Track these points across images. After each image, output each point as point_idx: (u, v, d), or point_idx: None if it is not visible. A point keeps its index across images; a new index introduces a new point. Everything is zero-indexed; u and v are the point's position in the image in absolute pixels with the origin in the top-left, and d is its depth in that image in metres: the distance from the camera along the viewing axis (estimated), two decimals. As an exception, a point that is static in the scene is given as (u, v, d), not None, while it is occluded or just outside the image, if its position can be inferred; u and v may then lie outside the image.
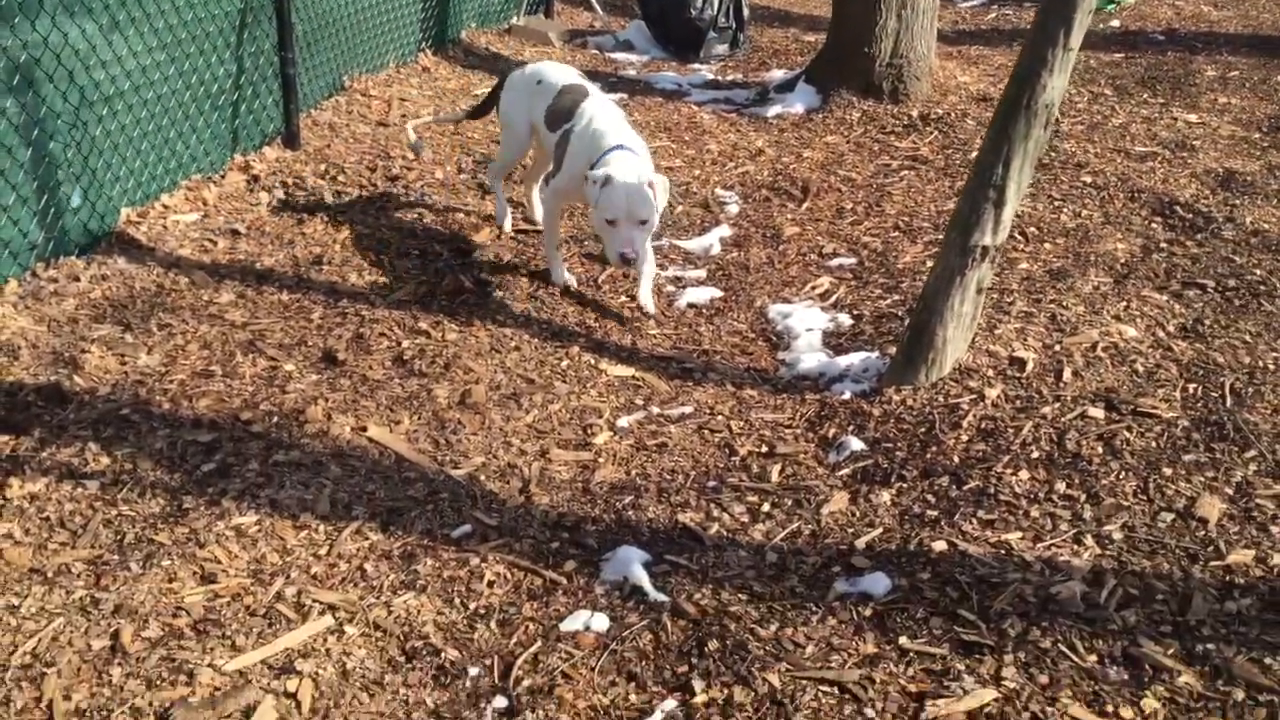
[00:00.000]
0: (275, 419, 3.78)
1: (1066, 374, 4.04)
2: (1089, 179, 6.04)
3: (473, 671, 2.80)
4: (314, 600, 2.99)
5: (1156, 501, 3.43)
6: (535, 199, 5.40)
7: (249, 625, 2.90)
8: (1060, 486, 3.51)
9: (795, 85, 7.60)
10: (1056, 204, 5.75)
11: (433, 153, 6.16)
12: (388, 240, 5.17)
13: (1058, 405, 3.87)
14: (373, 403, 3.93)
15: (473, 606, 3.04)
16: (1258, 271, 4.91)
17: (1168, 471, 3.54)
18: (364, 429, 3.77)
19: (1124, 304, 4.60)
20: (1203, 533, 3.29)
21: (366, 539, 3.26)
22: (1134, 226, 5.46)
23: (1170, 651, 2.86)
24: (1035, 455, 3.66)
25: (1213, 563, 3.18)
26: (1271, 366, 4.11)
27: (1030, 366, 4.09)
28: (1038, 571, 3.16)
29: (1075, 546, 3.27)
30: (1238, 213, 5.58)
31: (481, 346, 4.34)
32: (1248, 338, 4.34)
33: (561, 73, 5.02)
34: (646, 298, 4.76)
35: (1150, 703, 2.69)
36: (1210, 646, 2.87)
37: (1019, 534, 3.32)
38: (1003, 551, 3.25)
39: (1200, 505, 3.40)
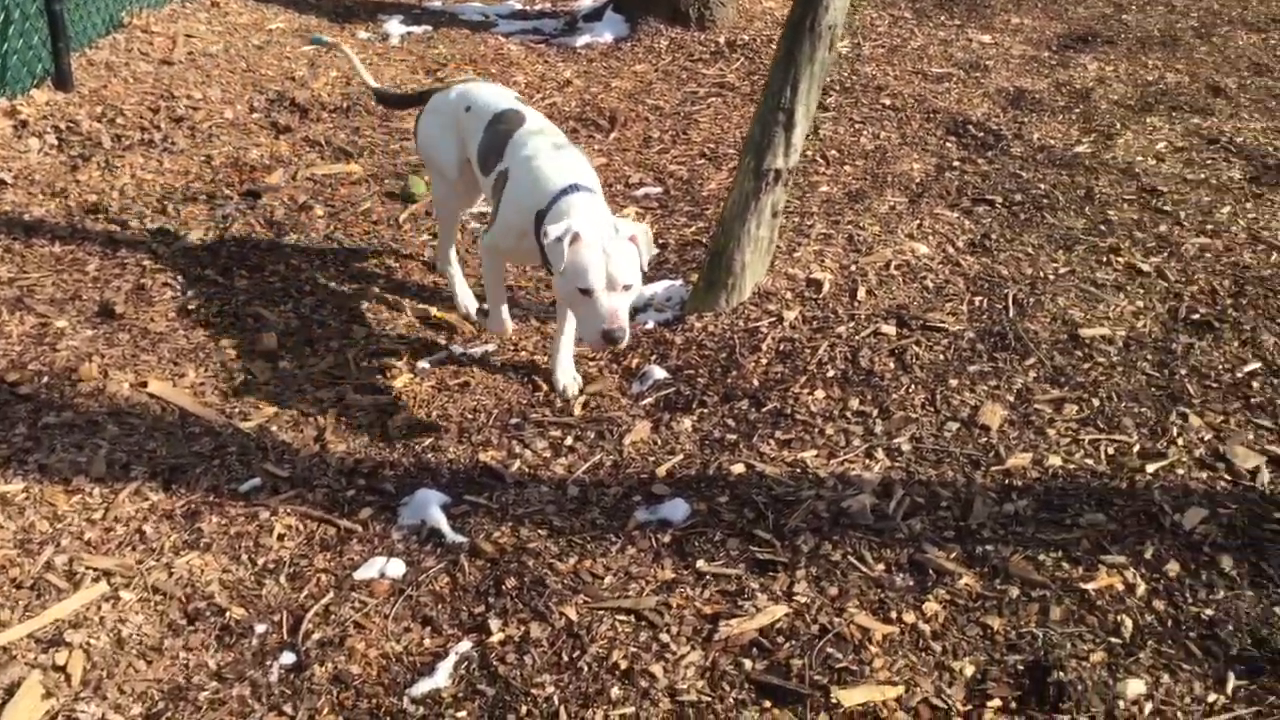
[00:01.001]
0: (45, 379, 3.56)
1: (861, 293, 4.13)
2: (888, 101, 6.16)
3: (259, 629, 2.72)
4: (87, 567, 2.84)
5: (943, 412, 3.55)
6: (456, 270, 4.25)
7: (15, 599, 2.74)
8: (854, 403, 3.59)
9: (603, 14, 7.51)
10: (857, 126, 5.85)
11: (221, 90, 5.85)
12: (172, 186, 4.91)
13: (852, 324, 3.95)
14: (154, 357, 3.74)
15: (261, 562, 2.94)
16: (1042, 186, 5.11)
17: (954, 383, 3.66)
18: (144, 384, 3.59)
19: (917, 222, 4.72)
20: (985, 439, 3.42)
21: (146, 500, 3.11)
22: (929, 146, 5.60)
23: (953, 555, 2.97)
24: (831, 374, 3.74)
25: (994, 468, 3.31)
26: (1051, 277, 4.29)
27: (827, 287, 4.17)
28: (831, 487, 3.24)
29: (867, 461, 3.36)
30: (1026, 130, 5.78)
31: (273, 293, 4.17)
32: (1030, 250, 4.51)
33: (496, 95, 3.94)
34: (567, 369, 3.78)
35: (932, 605, 2.80)
36: (989, 548, 2.99)
37: (814, 452, 3.39)
38: (798, 470, 3.32)
39: (983, 413, 3.53)
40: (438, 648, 2.67)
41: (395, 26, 7.36)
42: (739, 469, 3.32)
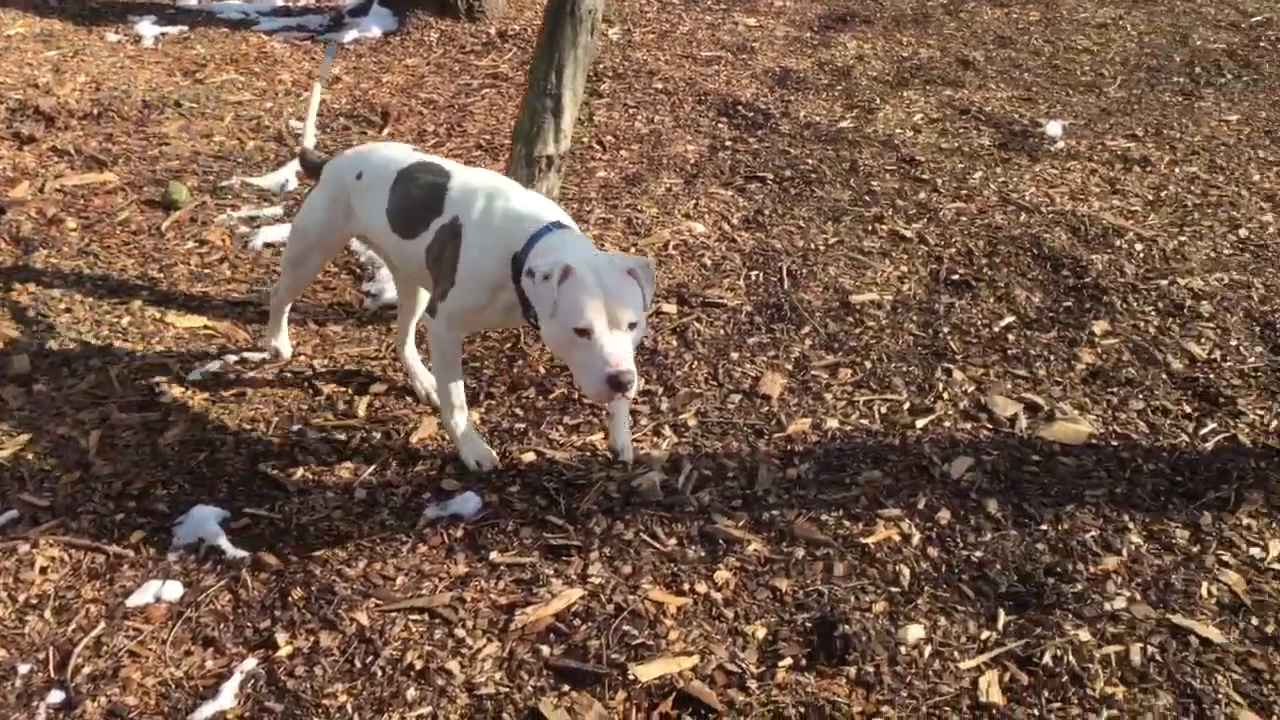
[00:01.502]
0: None
1: (641, 274, 4.17)
2: (660, 85, 6.24)
3: (23, 669, 2.54)
4: None
5: (726, 385, 3.63)
6: (414, 364, 3.67)
7: None
8: (640, 383, 3.62)
9: (370, 8, 7.32)
10: (631, 111, 5.90)
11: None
12: (-99, 204, 4.52)
13: (634, 305, 3.99)
14: (-114, 391, 3.44)
15: (23, 598, 2.75)
16: (810, 161, 5.28)
17: (735, 356, 3.75)
18: (-123, 422, 3.30)
19: (693, 202, 4.81)
20: (767, 409, 3.52)
21: (-115, 546, 2.86)
22: (702, 128, 5.71)
23: (741, 523, 3.05)
24: (616, 356, 3.76)
25: (776, 435, 3.41)
26: (822, 248, 4.44)
27: (607, 271, 4.19)
28: (620, 468, 3.26)
29: (655, 439, 3.40)
30: (793, 108, 5.96)
31: (23, 313, 3.90)
32: (801, 223, 4.66)
33: (393, 152, 3.40)
34: (625, 438, 3.29)
35: (723, 574, 2.86)
36: (775, 513, 3.08)
37: (602, 434, 3.41)
38: (588, 454, 3.33)
39: (764, 383, 3.62)
40: (221, 668, 2.56)
41: (148, 27, 6.99)
42: (529, 457, 3.31)
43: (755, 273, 4.24)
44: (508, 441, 3.38)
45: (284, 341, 3.81)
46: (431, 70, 6.54)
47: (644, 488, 3.17)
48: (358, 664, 2.57)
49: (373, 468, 3.28)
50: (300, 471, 3.26)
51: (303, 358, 3.83)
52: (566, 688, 2.53)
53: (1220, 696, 2.51)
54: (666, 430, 3.43)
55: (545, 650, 2.62)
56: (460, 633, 2.66)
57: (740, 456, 3.31)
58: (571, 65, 3.86)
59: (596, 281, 2.69)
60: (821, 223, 4.67)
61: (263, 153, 5.41)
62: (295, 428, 3.46)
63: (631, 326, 2.74)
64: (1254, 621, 2.71)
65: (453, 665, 2.56)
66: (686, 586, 2.82)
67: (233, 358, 3.80)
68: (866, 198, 4.91)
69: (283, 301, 3.72)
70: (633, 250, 4.36)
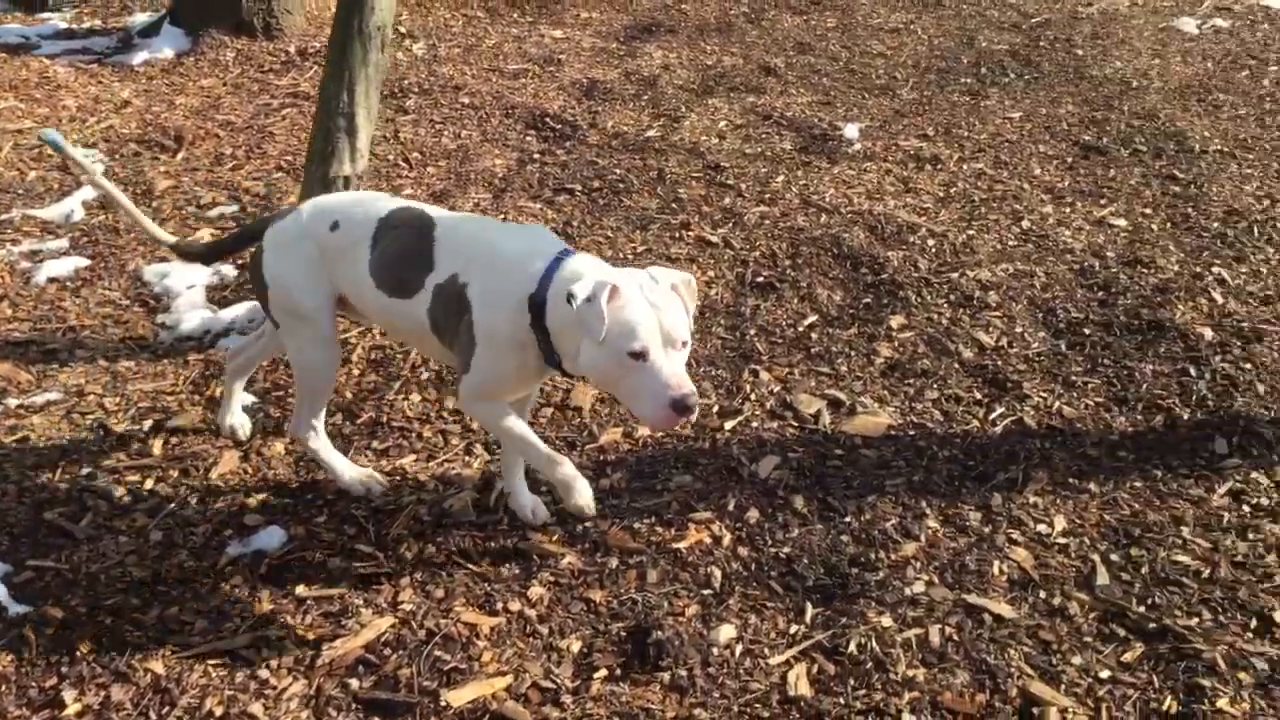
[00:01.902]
0: None
1: (448, 292, 4.13)
2: (467, 100, 6.20)
3: None
4: None
5: (538, 400, 3.61)
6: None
7: None
8: (450, 402, 3.59)
9: (161, 28, 7.05)
10: (438, 127, 5.84)
11: None
12: None
13: (442, 324, 3.94)
14: None
15: None
16: (618, 171, 5.32)
17: (545, 369, 3.74)
18: None
19: (502, 217, 4.79)
20: (578, 420, 3.53)
21: None
22: (510, 141, 5.69)
23: (555, 538, 3.04)
24: (425, 377, 3.71)
25: (588, 446, 3.42)
26: (631, 256, 4.48)
27: (414, 290, 4.13)
28: (432, 490, 3.22)
29: (466, 458, 3.36)
30: (600, 119, 6.00)
31: None
32: (610, 233, 4.69)
33: (366, 199, 3.08)
34: (524, 494, 3.11)
35: (536, 590, 2.85)
36: (588, 525, 3.08)
37: (413, 457, 3.36)
38: (398, 477, 3.27)
39: (574, 395, 3.63)
40: (3, 735, 2.41)
41: (-85, 54, 6.57)
42: (336, 485, 3.23)
43: (564, 285, 4.24)
44: (314, 471, 3.29)
45: (357, 471, 3.22)
46: (229, 91, 6.34)
47: (455, 508, 3.13)
48: (152, 716, 2.46)
49: (170, 508, 3.15)
50: (89, 517, 3.11)
51: (92, 397, 3.64)
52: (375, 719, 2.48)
53: (1013, 670, 2.62)
54: (478, 449, 3.40)
55: (354, 684, 2.56)
56: (264, 673, 2.57)
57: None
58: (363, 83, 3.80)
59: (645, 299, 2.48)
60: (630, 232, 4.71)
61: (45, 183, 5.14)
62: (85, 471, 3.29)
63: (685, 345, 2.54)
64: (1042, 595, 2.85)
65: (255, 708, 2.48)
66: (500, 606, 2.80)
67: (14, 401, 3.59)
68: (674, 205, 4.97)
69: (318, 429, 3.15)
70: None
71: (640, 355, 2.44)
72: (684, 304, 2.58)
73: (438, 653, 2.64)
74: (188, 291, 4.27)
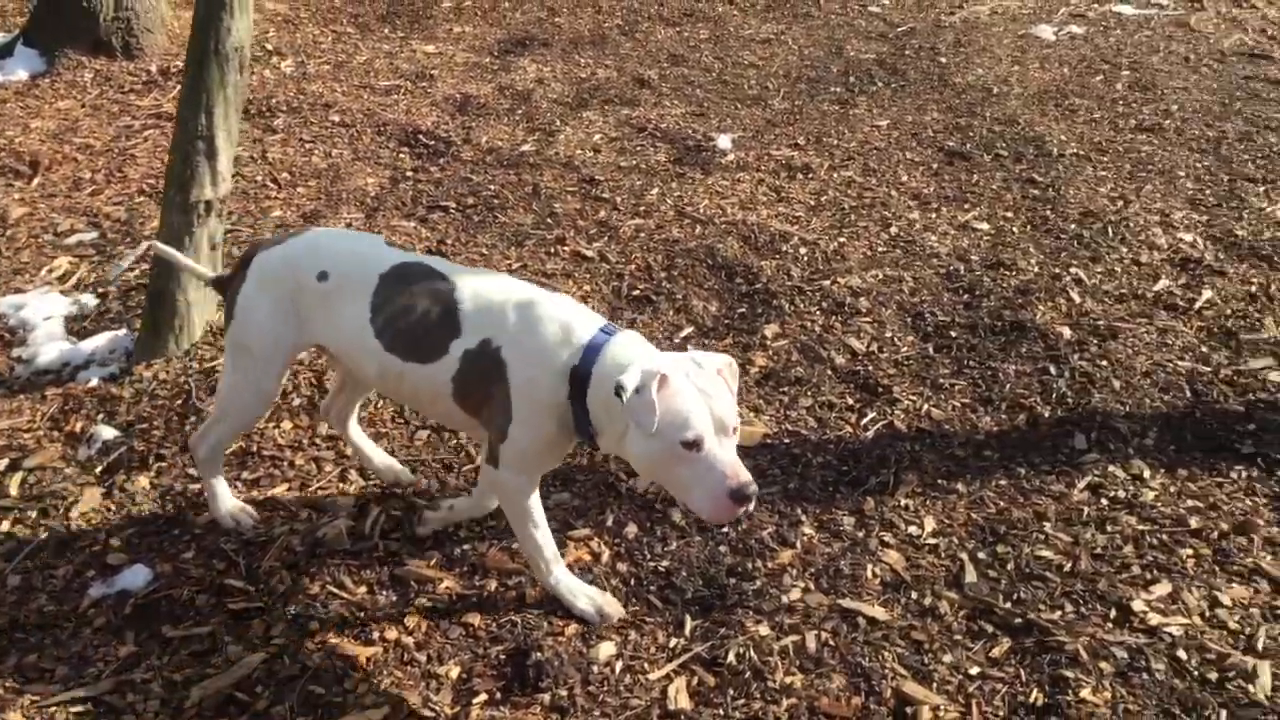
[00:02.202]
0: None
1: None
2: (338, 118, 6.10)
3: None
4: None
5: (413, 422, 3.58)
6: (360, 441, 3.30)
7: None
8: (323, 429, 3.52)
9: (14, 49, 6.78)
10: (308, 146, 5.74)
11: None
12: None
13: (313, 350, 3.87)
14: None
15: None
16: (492, 187, 5.30)
17: (420, 391, 3.70)
18: None
19: (377, 234, 4.71)
20: (455, 441, 3.50)
21: None
22: (383, 159, 5.62)
23: (433, 562, 3.01)
24: (297, 403, 3.64)
25: (466, 468, 3.39)
26: (506, 272, 4.45)
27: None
28: (305, 519, 3.16)
29: (341, 485, 3.31)
30: (474, 134, 5.96)
31: None
32: (485, 250, 4.66)
33: (363, 246, 2.89)
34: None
35: (414, 618, 2.81)
36: (467, 547, 3.06)
37: (285, 486, 3.29)
38: (269, 508, 3.20)
39: (451, 416, 3.59)
40: None
41: None
42: (205, 519, 3.14)
43: (439, 304, 4.20)
44: (181, 506, 3.20)
45: (233, 503, 3.12)
46: (87, 113, 6.13)
47: (329, 537, 3.07)
48: (10, 771, 2.36)
49: (27, 550, 3.03)
50: (-60, 566, 2.97)
51: (-57, 437, 3.49)
52: (249, 760, 2.42)
53: (887, 671, 2.68)
54: (353, 474, 3.34)
55: (226, 724, 2.50)
56: (129, 718, 2.49)
57: (430, 493, 3.27)
58: (222, 105, 3.71)
59: (694, 386, 2.39)
60: (505, 248, 4.69)
61: (-111, 213, 4.90)
62: (-65, 517, 3.15)
63: (735, 431, 2.44)
64: (913, 596, 2.92)
65: (120, 756, 2.40)
66: (376, 635, 2.75)
67: None
68: (549, 220, 4.97)
69: (216, 454, 3.04)
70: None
71: (694, 445, 2.34)
72: (729, 388, 2.48)
73: (311, 687, 2.59)
74: (45, 323, 4.12)
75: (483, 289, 2.69)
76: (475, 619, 2.81)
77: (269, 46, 7.13)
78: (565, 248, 4.71)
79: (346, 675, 2.63)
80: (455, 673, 2.66)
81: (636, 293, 4.37)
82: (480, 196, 5.18)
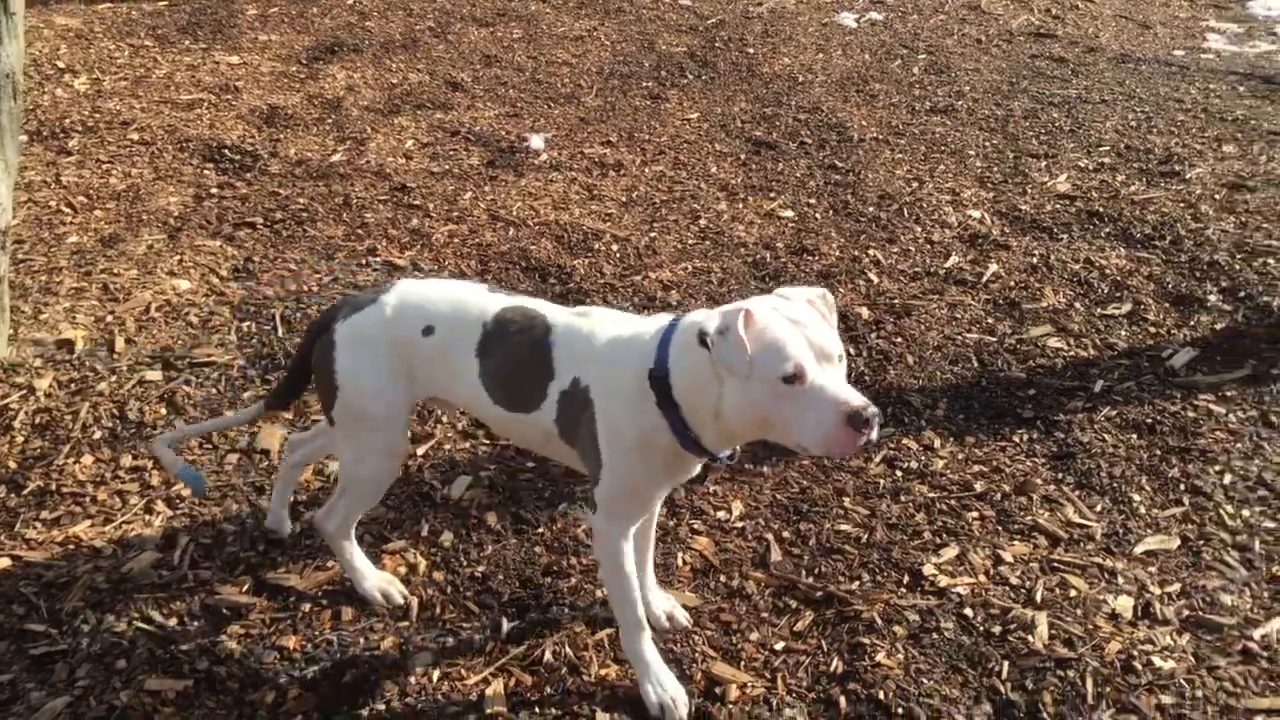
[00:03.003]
0: None
1: (120, 344, 3.95)
2: (136, 136, 5.91)
3: None
4: None
5: (221, 447, 3.52)
6: (290, 483, 3.19)
7: None
8: (126, 460, 3.44)
9: None
10: (105, 167, 5.55)
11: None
12: None
13: (114, 379, 3.77)
14: None
15: None
16: (301, 200, 5.23)
17: (230, 414, 3.64)
18: None
19: (178, 258, 4.61)
20: (266, 463, 3.46)
21: None
22: (185, 177, 5.48)
23: (245, 588, 2.98)
24: (98, 436, 3.54)
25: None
26: (316, 288, 4.42)
27: (81, 345, 3.93)
28: (110, 555, 3.08)
29: (147, 516, 3.24)
30: (282, 146, 5.86)
31: None
32: (294, 266, 4.61)
33: (462, 293, 2.67)
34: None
35: (227, 645, 2.78)
36: (280, 570, 3.03)
37: (88, 522, 3.21)
38: (71, 546, 3.11)
39: (262, 438, 3.56)
40: None
41: None
42: (3, 564, 3.04)
43: (247, 324, 4.14)
44: (-24, 551, 3.09)
45: (378, 576, 2.96)
46: None
47: (136, 571, 3.01)
48: None
49: None
50: None
51: None
52: (54, 808, 2.37)
53: (698, 654, 2.79)
54: (159, 505, 3.28)
55: (28, 773, 2.44)
56: (-79, 781, 2.41)
57: (241, 518, 3.24)
58: (-3, 134, 3.58)
59: (784, 317, 2.19)
60: (315, 262, 4.64)
61: None
62: None
63: (841, 359, 2.22)
64: (722, 579, 3.04)
65: (-87, 819, 2.32)
66: (187, 668, 2.72)
67: None
68: (360, 231, 4.94)
69: (347, 527, 2.87)
70: (109, 317, 4.12)
71: (796, 378, 2.13)
72: (826, 316, 2.30)
73: (119, 727, 2.55)
74: None
75: (575, 326, 2.54)
76: (290, 641, 2.80)
77: (60, 64, 6.85)
78: (377, 258, 4.69)
79: (156, 711, 2.59)
80: (270, 698, 2.64)
81: (450, 300, 4.38)
82: (289, 210, 5.11)
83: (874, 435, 2.13)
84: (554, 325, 2.54)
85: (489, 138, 6.09)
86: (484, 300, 2.64)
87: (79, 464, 3.43)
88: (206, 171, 5.56)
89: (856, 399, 2.11)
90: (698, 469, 2.57)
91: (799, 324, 2.18)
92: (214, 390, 3.76)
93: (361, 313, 2.66)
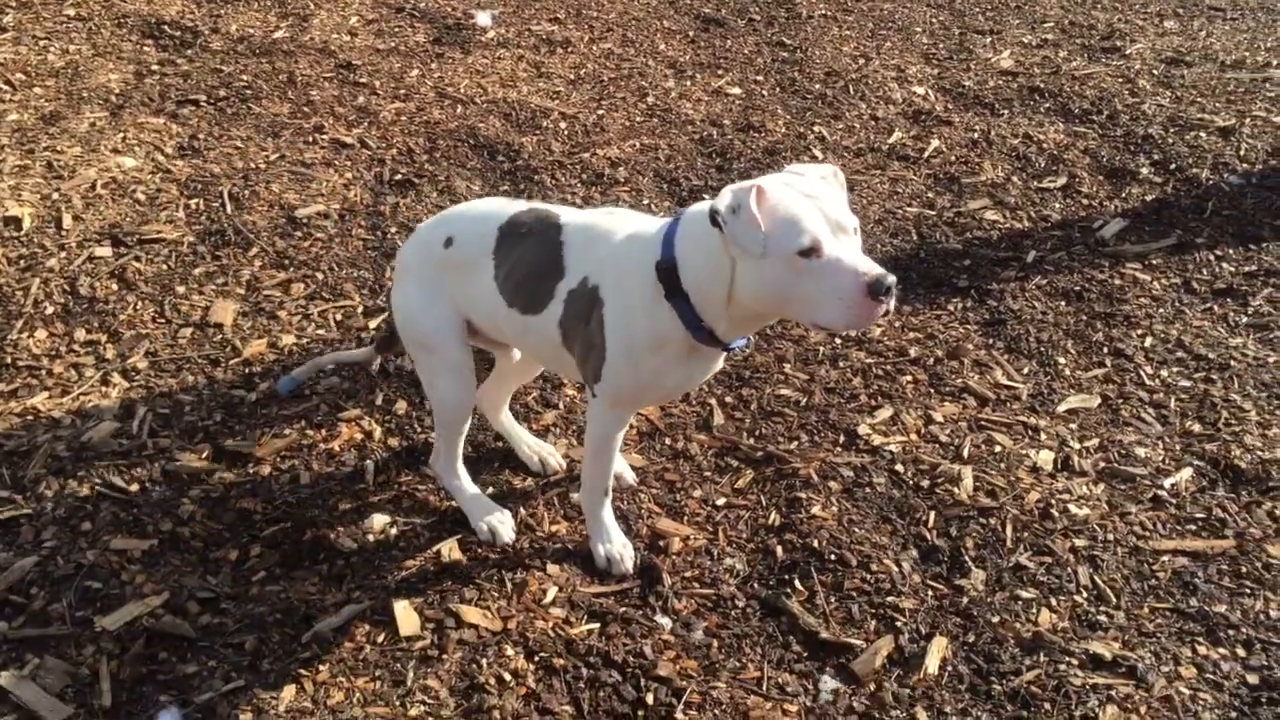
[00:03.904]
0: None
1: (67, 221, 3.96)
2: (73, 12, 5.79)
3: None
4: None
5: (175, 321, 3.57)
6: (512, 427, 3.16)
7: None
8: (80, 334, 3.49)
9: None
10: (43, 43, 5.44)
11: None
12: None
13: (64, 255, 3.79)
14: None
15: None
16: (245, 78, 5.18)
17: (181, 289, 3.69)
18: None
19: (121, 135, 4.58)
20: (220, 336, 3.52)
21: None
22: (125, 53, 5.39)
23: (204, 455, 3.07)
24: (50, 311, 3.58)
25: (233, 361, 3.43)
26: (263, 165, 4.42)
27: (28, 222, 3.93)
28: (69, 425, 3.15)
29: (104, 389, 3.30)
30: (223, 22, 5.77)
31: None
32: (240, 143, 4.60)
33: (484, 207, 2.72)
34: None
35: (188, 507, 2.88)
36: (238, 438, 3.12)
37: (45, 394, 3.26)
38: (30, 417, 3.18)
39: (215, 312, 3.61)
40: None
41: None
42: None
43: (195, 201, 4.15)
44: (-64, 423, 3.15)
45: (492, 513, 2.88)
46: None
47: (96, 440, 3.09)
48: None
49: None
50: None
51: None
52: (30, 656, 2.47)
53: (643, 511, 2.93)
54: (116, 377, 3.34)
55: (2, 625, 2.54)
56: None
57: (198, 389, 3.31)
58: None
59: (797, 190, 2.14)
60: (261, 140, 4.63)
61: None
62: None
63: (856, 231, 2.16)
64: (667, 442, 3.16)
65: (-106, 669, 2.42)
66: (150, 529, 2.82)
67: None
68: (306, 109, 4.91)
69: (454, 463, 2.91)
70: (55, 194, 4.11)
71: (812, 251, 2.07)
72: (837, 190, 2.24)
73: (88, 583, 2.65)
74: None
75: (588, 225, 2.53)
76: (250, 504, 2.90)
77: (-12, -64, 6.63)
78: (324, 136, 4.69)
79: (123, 569, 2.69)
80: (233, 555, 2.75)
81: (399, 177, 4.41)
82: (233, 88, 5.06)
83: (892, 305, 2.09)
84: (565, 225, 2.53)
85: (435, 14, 6.02)
86: (499, 208, 2.67)
87: (33, 338, 3.47)
88: (146, 48, 5.47)
89: (875, 268, 2.06)
90: (718, 364, 2.56)
91: (812, 198, 2.13)
92: (164, 267, 3.79)
93: (404, 248, 2.77)
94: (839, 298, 2.07)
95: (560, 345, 2.55)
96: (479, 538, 2.85)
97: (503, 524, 2.87)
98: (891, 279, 2.04)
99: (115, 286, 3.68)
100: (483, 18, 5.98)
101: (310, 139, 4.66)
